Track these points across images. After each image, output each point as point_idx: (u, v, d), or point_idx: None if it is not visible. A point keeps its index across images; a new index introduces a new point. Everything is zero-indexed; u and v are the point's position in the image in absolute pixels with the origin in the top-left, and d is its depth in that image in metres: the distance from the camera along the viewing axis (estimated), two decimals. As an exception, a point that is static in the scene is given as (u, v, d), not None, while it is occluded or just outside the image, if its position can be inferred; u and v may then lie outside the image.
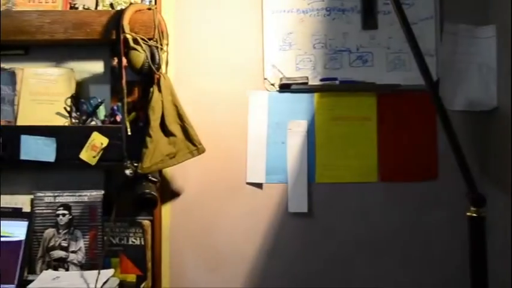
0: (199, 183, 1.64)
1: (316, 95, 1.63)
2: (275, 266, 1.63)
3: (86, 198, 1.54)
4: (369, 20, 1.64)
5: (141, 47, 1.42)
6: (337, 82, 1.62)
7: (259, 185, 1.63)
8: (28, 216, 1.50)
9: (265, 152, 1.62)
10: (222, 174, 1.63)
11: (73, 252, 1.54)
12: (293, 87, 1.60)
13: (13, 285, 1.41)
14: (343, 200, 1.63)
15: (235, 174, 1.62)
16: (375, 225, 1.63)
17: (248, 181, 1.63)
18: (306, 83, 1.60)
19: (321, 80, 1.63)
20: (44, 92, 1.55)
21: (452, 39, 1.63)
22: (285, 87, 1.61)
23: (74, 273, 1.50)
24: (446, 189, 1.62)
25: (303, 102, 1.63)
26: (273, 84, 1.63)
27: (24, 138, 1.50)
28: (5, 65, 1.58)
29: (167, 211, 1.63)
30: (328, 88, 1.63)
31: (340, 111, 1.64)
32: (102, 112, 1.55)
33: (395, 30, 1.60)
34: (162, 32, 1.51)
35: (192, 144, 1.48)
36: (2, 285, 1.41)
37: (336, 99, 1.64)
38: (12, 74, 1.56)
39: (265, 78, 1.63)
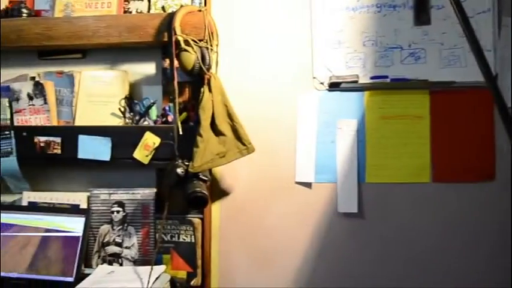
0: (248, 182, 1.64)
1: (366, 93, 1.60)
2: (323, 266, 1.61)
3: (139, 196, 1.59)
4: (422, 15, 1.59)
5: (192, 48, 1.45)
6: (388, 80, 1.58)
7: (308, 185, 1.61)
8: (85, 213, 1.56)
9: (314, 151, 1.60)
10: (271, 173, 1.63)
11: (127, 248, 1.59)
12: (343, 85, 1.58)
13: (71, 278, 1.47)
14: (394, 200, 1.59)
15: (284, 173, 1.62)
16: (427, 227, 1.58)
17: (297, 180, 1.61)
18: (356, 82, 1.58)
19: (371, 78, 1.59)
20: (100, 94, 1.61)
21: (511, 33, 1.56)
22: (334, 86, 1.59)
23: (127, 268, 1.54)
24: (503, 190, 1.55)
25: (352, 101, 1.60)
26: (322, 83, 1.61)
27: (82, 138, 1.56)
28: (64, 68, 1.66)
29: (217, 209, 1.65)
30: (379, 86, 1.59)
31: (392, 110, 1.60)
32: (154, 112, 1.58)
33: (450, 25, 1.54)
34: (212, 33, 1.53)
35: (242, 143, 1.49)
36: (61, 278, 1.47)
37: (386, 98, 1.60)
38: (71, 77, 1.63)
39: (314, 77, 1.61)
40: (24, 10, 1.62)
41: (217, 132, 1.47)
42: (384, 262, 1.59)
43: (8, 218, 1.57)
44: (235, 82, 1.62)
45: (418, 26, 1.59)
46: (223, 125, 1.47)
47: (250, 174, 1.64)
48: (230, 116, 1.49)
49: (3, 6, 1.66)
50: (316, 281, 1.62)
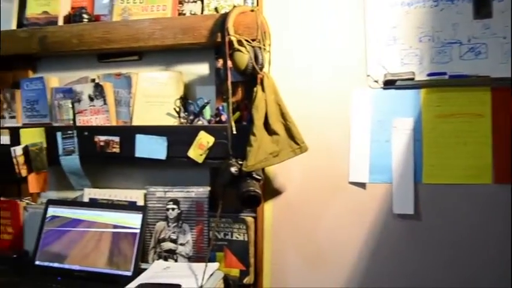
0: (301, 181, 1.64)
1: (422, 91, 1.54)
2: (377, 268, 1.58)
3: (193, 194, 1.62)
4: (482, 8, 1.52)
5: (245, 48, 1.45)
6: (446, 77, 1.52)
7: (362, 185, 1.58)
8: (142, 210, 1.60)
9: (368, 150, 1.57)
10: (324, 173, 1.61)
11: (181, 244, 1.62)
12: (398, 83, 1.54)
13: (129, 272, 1.52)
14: (453, 202, 1.53)
15: (338, 173, 1.60)
16: (487, 230, 1.50)
17: (351, 180, 1.59)
18: (412, 79, 1.53)
19: (428, 75, 1.54)
20: (156, 94, 1.65)
21: None
22: (389, 84, 1.55)
23: (182, 265, 1.58)
24: None
25: (408, 98, 1.55)
26: (376, 81, 1.57)
27: (139, 137, 1.61)
28: (122, 70, 1.72)
29: (269, 209, 1.65)
30: (436, 83, 1.53)
31: (450, 108, 1.54)
32: (208, 112, 1.61)
33: (513, 18, 1.47)
34: (265, 33, 1.53)
35: (295, 142, 1.48)
36: (120, 272, 1.53)
37: (444, 95, 1.54)
38: (128, 78, 1.68)
39: (368, 75, 1.58)
40: (85, 15, 1.69)
41: (270, 131, 1.47)
42: (439, 265, 1.54)
43: (70, 213, 1.65)
44: (288, 81, 1.61)
45: (478, 19, 1.52)
46: (277, 124, 1.47)
47: (303, 173, 1.63)
48: (283, 115, 1.49)
49: (65, 13, 1.74)
50: (369, 283, 1.59)
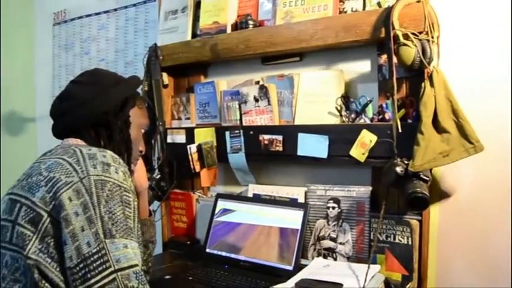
0: (473, 184, 1.49)
1: None
2: None
3: (354, 194, 1.60)
4: None
5: (412, 41, 1.38)
6: None
7: (547, 191, 1.38)
8: (304, 207, 1.64)
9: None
10: (501, 175, 1.44)
11: (341, 243, 1.62)
12: None
13: (290, 267, 1.56)
14: None
15: (516, 176, 1.41)
16: None
17: (534, 185, 1.39)
18: None
19: None
20: (317, 93, 1.67)
21: None
22: None
23: (342, 264, 1.57)
24: None
25: None
26: None
27: (301, 136, 1.64)
28: (284, 72, 1.78)
29: (436, 212, 1.54)
30: None
31: None
32: (370, 110, 1.57)
33: None
34: (433, 24, 1.43)
35: (468, 141, 1.35)
36: (281, 265, 1.58)
37: None
38: (291, 79, 1.73)
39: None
40: (250, 22, 1.79)
41: (440, 129, 1.37)
42: None
43: (236, 207, 1.77)
44: (459, 74, 1.48)
45: None
46: (447, 122, 1.36)
47: (476, 175, 1.48)
48: (455, 112, 1.37)
49: (232, 21, 1.88)
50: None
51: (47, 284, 0.96)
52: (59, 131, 1.22)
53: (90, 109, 1.17)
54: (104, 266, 0.95)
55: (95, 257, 0.95)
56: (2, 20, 2.75)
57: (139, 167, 1.40)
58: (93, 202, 0.99)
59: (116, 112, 1.21)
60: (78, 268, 0.94)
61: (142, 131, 1.32)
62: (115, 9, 2.50)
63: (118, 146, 1.20)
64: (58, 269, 0.97)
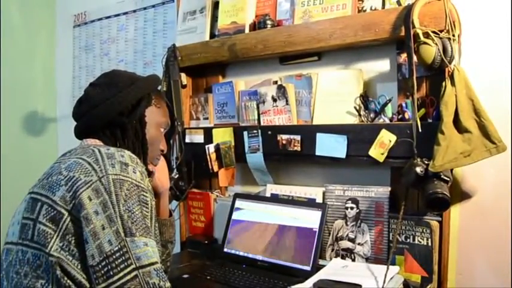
0: (495, 185, 1.46)
1: None
2: None
3: (372, 194, 1.59)
4: None
5: (432, 40, 1.37)
6: None
7: None
8: (322, 207, 1.63)
9: None
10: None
11: (359, 244, 1.60)
12: None
13: (308, 267, 1.55)
14: None
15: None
16: None
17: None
18: None
19: None
20: (336, 93, 1.66)
21: None
22: None
23: (361, 265, 1.55)
24: None
25: None
26: None
27: (319, 136, 1.64)
28: (302, 71, 1.77)
29: (456, 213, 1.52)
30: None
31: None
32: (389, 109, 1.56)
33: None
34: (454, 22, 1.41)
35: (491, 141, 1.32)
36: (299, 266, 1.58)
37: None
38: (309, 79, 1.72)
39: None
40: (269, 22, 1.79)
41: (461, 129, 1.35)
42: None
43: (254, 207, 1.77)
44: (481, 73, 1.45)
45: None
46: (469, 122, 1.34)
47: (498, 176, 1.46)
48: (476, 112, 1.35)
49: (251, 21, 1.88)
50: None
51: (69, 281, 0.98)
52: (79, 132, 1.25)
53: (104, 110, 1.19)
54: (125, 264, 0.97)
55: (117, 254, 0.97)
56: (24, 22, 2.82)
57: (162, 167, 1.40)
58: (112, 201, 1.00)
59: (129, 112, 1.22)
60: (100, 266, 0.96)
61: (162, 129, 1.32)
62: (134, 11, 2.53)
63: (133, 145, 1.21)
64: (79, 267, 0.99)
